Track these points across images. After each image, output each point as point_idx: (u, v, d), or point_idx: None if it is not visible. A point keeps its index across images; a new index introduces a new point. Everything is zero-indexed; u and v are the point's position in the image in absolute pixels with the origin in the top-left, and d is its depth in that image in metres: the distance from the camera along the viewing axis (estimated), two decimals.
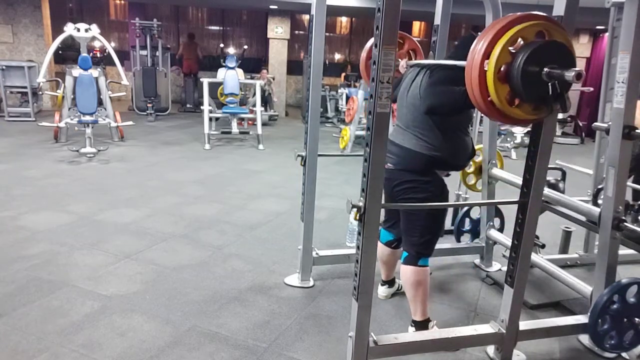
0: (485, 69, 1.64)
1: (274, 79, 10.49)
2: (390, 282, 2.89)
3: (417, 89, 2.30)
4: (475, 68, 1.66)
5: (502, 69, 1.61)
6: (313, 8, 2.60)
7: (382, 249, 2.73)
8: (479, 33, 2.21)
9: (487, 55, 1.63)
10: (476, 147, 3.24)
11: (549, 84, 1.60)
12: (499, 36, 1.62)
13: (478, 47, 1.67)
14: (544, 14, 1.70)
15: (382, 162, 1.81)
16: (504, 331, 2.22)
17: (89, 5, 12.49)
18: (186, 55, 11.13)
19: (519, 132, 8.22)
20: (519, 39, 1.62)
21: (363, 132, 6.71)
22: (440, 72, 2.26)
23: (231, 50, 13.07)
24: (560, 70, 1.57)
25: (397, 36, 1.70)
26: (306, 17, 12.85)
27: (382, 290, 2.89)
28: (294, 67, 12.17)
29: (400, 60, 2.72)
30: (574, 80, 1.56)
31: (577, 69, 1.57)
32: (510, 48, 1.62)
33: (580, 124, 9.97)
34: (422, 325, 2.41)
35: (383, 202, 2.00)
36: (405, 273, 2.38)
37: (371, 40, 1.79)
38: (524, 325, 2.28)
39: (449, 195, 2.48)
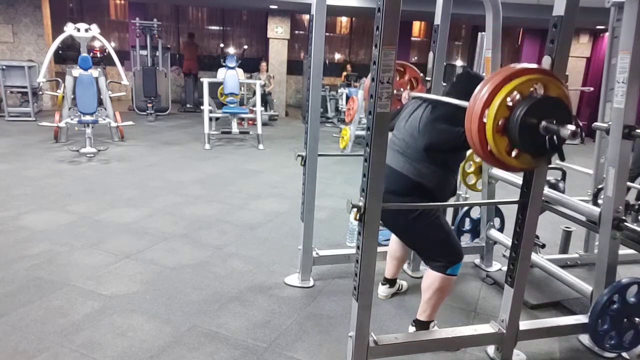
0: (485, 120, 1.67)
1: (273, 77, 10.50)
2: (391, 282, 2.89)
3: (417, 121, 2.32)
4: (474, 121, 1.69)
5: (500, 122, 1.65)
6: (313, 8, 2.60)
7: (397, 244, 2.74)
8: (474, 71, 2.29)
9: (486, 108, 1.66)
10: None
11: (546, 137, 1.65)
12: (496, 91, 1.65)
13: (477, 100, 1.69)
14: (541, 68, 1.73)
15: (383, 162, 1.81)
16: (504, 331, 2.22)
17: (89, 5, 12.50)
18: (186, 56, 11.13)
19: None
20: (516, 93, 1.65)
21: (363, 132, 6.70)
22: (442, 109, 2.28)
23: (231, 50, 13.07)
24: (556, 126, 1.62)
25: (397, 37, 1.71)
26: (306, 17, 12.85)
27: (382, 290, 2.89)
28: (294, 67, 12.18)
29: (402, 89, 2.79)
30: (569, 137, 1.61)
31: (572, 127, 1.61)
32: (508, 99, 1.66)
33: (580, 124, 9.93)
34: (423, 325, 2.41)
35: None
36: (430, 277, 2.35)
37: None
38: (524, 325, 2.28)
39: (440, 215, 2.42)
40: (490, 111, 1.64)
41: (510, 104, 1.65)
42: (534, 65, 1.71)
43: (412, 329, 2.44)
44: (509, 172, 1.83)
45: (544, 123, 1.63)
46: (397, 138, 2.39)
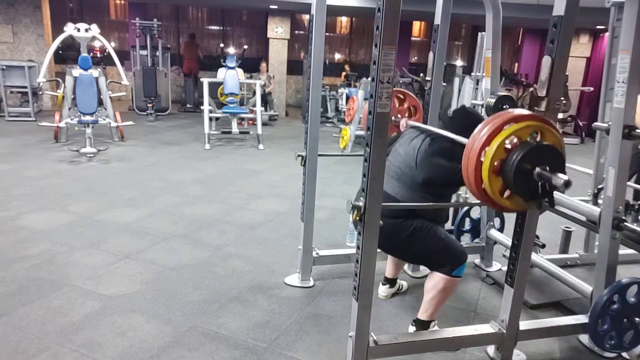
0: (482, 159, 1.72)
1: (273, 77, 10.50)
2: (391, 282, 2.90)
3: (415, 152, 2.34)
4: (472, 159, 1.74)
5: (496, 163, 1.70)
6: (313, 8, 2.60)
7: None
8: (470, 107, 2.33)
9: (484, 147, 1.71)
10: None
11: (539, 183, 1.70)
12: (496, 132, 1.70)
13: (476, 139, 1.73)
14: (541, 116, 1.78)
15: (383, 162, 1.81)
16: (504, 331, 2.22)
17: (89, 5, 12.50)
18: (186, 56, 11.13)
19: None
20: (514, 137, 1.70)
21: (363, 132, 6.70)
22: (440, 143, 2.31)
23: (231, 50, 13.07)
24: (550, 174, 1.66)
25: (397, 36, 1.71)
26: (306, 17, 12.85)
27: (382, 290, 2.89)
28: (294, 67, 12.18)
29: (400, 116, 2.84)
30: (562, 188, 1.65)
31: (565, 177, 1.64)
32: (507, 142, 1.70)
33: (580, 124, 9.97)
34: (424, 325, 2.41)
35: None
36: (435, 278, 2.35)
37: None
38: (524, 325, 2.28)
39: (438, 219, 2.44)
40: (489, 152, 1.69)
41: (509, 146, 1.70)
42: (535, 114, 1.78)
43: (412, 328, 2.44)
44: (499, 211, 1.88)
45: (538, 169, 1.68)
46: (393, 165, 2.41)
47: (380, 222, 1.88)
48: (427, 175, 2.25)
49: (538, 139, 1.73)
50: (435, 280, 2.35)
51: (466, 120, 2.34)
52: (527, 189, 1.71)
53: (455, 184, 2.30)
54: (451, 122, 2.46)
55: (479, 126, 1.76)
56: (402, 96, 2.95)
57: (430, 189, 2.29)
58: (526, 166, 1.67)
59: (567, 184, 1.62)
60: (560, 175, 1.65)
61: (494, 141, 1.69)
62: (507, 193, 1.76)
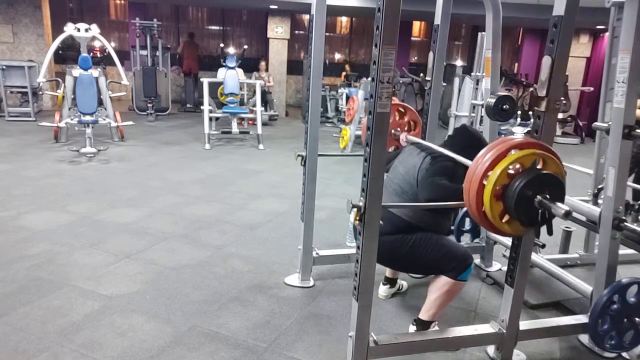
0: (485, 183, 1.73)
1: (272, 78, 10.50)
2: (392, 282, 2.89)
3: (415, 170, 2.35)
4: (474, 182, 1.75)
5: (498, 188, 1.72)
6: (313, 8, 2.60)
7: None
8: (471, 127, 2.34)
9: (488, 171, 1.73)
10: None
11: (539, 210, 1.73)
12: (500, 158, 1.72)
13: (479, 163, 1.75)
14: (545, 145, 1.80)
15: (383, 162, 1.81)
16: (504, 331, 2.22)
17: (89, 5, 12.50)
18: (186, 55, 11.13)
19: (519, 132, 8.21)
20: (517, 164, 1.73)
21: None
22: (442, 162, 2.31)
23: (231, 50, 13.07)
24: (550, 203, 1.69)
25: (397, 36, 1.71)
26: (306, 17, 12.85)
27: (382, 290, 2.89)
28: (294, 67, 12.17)
29: (399, 130, 2.87)
30: (562, 217, 1.66)
31: (566, 208, 1.65)
32: (510, 168, 1.72)
33: (580, 124, 9.97)
34: (425, 325, 2.41)
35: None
36: (441, 280, 2.35)
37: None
38: (524, 325, 2.28)
39: (441, 231, 2.44)
40: (492, 176, 1.71)
41: (512, 172, 1.72)
42: (539, 142, 1.81)
43: (412, 328, 2.44)
44: (497, 235, 1.90)
45: (539, 197, 1.70)
46: (392, 182, 2.42)
47: (381, 223, 1.89)
48: (429, 196, 2.25)
49: (540, 166, 1.76)
50: (441, 283, 2.35)
51: (467, 139, 2.39)
52: (528, 215, 1.74)
53: (455, 202, 2.28)
54: (451, 140, 2.48)
55: (483, 150, 1.78)
56: (402, 110, 2.96)
57: (431, 208, 2.30)
58: (528, 193, 1.70)
59: (568, 214, 1.64)
60: (560, 205, 1.67)
61: (498, 166, 1.71)
62: (506, 218, 1.78)
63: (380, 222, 1.88)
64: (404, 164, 2.45)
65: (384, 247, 2.01)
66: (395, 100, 3.00)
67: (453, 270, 2.31)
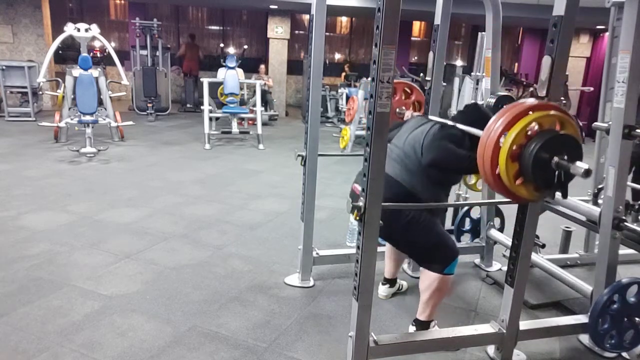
0: (500, 144, 1.71)
1: (271, 80, 10.49)
2: (391, 282, 2.89)
3: (422, 135, 2.31)
4: (491, 142, 1.72)
5: (515, 147, 1.69)
6: (313, 8, 2.60)
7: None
8: (482, 105, 2.34)
9: (504, 132, 1.70)
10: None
11: (556, 172, 1.70)
12: (519, 117, 1.69)
13: (497, 123, 1.72)
14: (563, 108, 1.78)
15: (383, 162, 1.81)
16: (504, 331, 2.22)
17: (89, 5, 12.49)
18: (187, 57, 11.13)
19: None
20: (535, 124, 1.70)
21: (363, 132, 6.70)
22: (451, 130, 2.29)
23: (231, 50, 13.07)
24: (568, 163, 1.66)
25: (397, 36, 1.71)
26: (306, 17, 12.85)
27: (382, 290, 2.89)
28: (294, 67, 12.17)
29: (404, 108, 2.85)
30: (582, 176, 1.63)
31: (585, 165, 1.63)
32: (529, 128, 1.70)
33: (580, 124, 9.95)
34: (424, 325, 2.41)
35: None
36: (428, 278, 2.35)
37: None
38: (524, 325, 2.28)
39: (437, 210, 2.46)
40: (510, 134, 1.68)
41: (530, 133, 1.70)
42: (557, 104, 1.79)
43: (412, 328, 2.44)
44: (509, 199, 1.88)
45: (556, 159, 1.68)
46: (397, 148, 2.40)
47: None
48: (434, 156, 2.22)
49: (557, 129, 1.73)
50: (429, 281, 2.34)
51: (476, 116, 2.33)
52: (544, 177, 1.70)
53: (460, 171, 2.28)
54: (460, 115, 2.44)
55: (500, 111, 1.74)
56: (409, 90, 2.93)
57: (432, 175, 2.26)
58: (546, 154, 1.66)
59: (588, 172, 1.61)
60: (579, 163, 1.64)
61: (517, 125, 1.67)
62: (519, 181, 1.74)
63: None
64: (410, 131, 2.40)
65: (382, 215, 2.01)
66: (402, 80, 2.99)
67: (440, 261, 2.31)
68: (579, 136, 1.76)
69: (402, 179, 2.28)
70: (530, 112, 1.69)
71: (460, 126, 2.27)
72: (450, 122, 2.34)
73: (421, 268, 2.42)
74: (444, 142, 2.23)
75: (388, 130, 1.81)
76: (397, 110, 2.89)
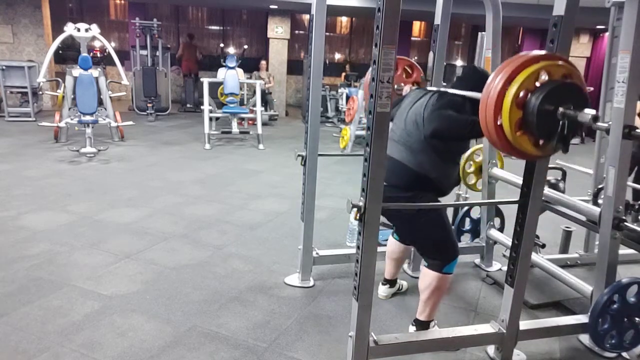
0: (506, 91, 1.68)
1: (273, 77, 10.50)
2: (391, 282, 2.89)
3: (422, 108, 2.28)
4: (496, 88, 1.69)
5: (521, 94, 1.66)
6: (313, 8, 2.60)
7: (394, 245, 2.74)
8: (480, 67, 2.30)
9: (512, 78, 1.67)
10: (477, 147, 3.25)
11: (561, 122, 1.67)
12: (528, 64, 1.67)
13: (505, 70, 1.70)
14: (568, 59, 1.76)
15: (383, 161, 1.81)
16: (504, 331, 2.22)
17: (89, 5, 12.49)
18: (186, 57, 11.13)
19: None
20: (544, 75, 1.68)
21: (363, 132, 6.70)
22: (449, 97, 2.26)
23: (231, 50, 13.07)
24: (574, 112, 1.64)
25: (397, 36, 1.71)
26: (306, 17, 12.85)
27: (382, 290, 2.89)
28: (294, 67, 12.17)
29: (403, 85, 2.79)
30: (590, 122, 1.61)
31: (593, 111, 1.61)
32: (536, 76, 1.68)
33: None
34: (424, 325, 2.41)
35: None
36: (427, 277, 2.35)
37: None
38: (524, 325, 2.28)
39: (442, 212, 2.43)
40: (517, 80, 1.64)
41: (538, 84, 1.67)
42: (564, 56, 1.76)
43: (412, 328, 2.44)
44: (510, 154, 1.82)
45: (562, 109, 1.64)
46: (398, 127, 2.36)
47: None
48: (435, 126, 2.18)
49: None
50: (428, 280, 2.34)
51: (476, 80, 2.27)
52: (547, 126, 1.67)
53: (464, 136, 2.24)
54: (459, 82, 2.38)
55: (511, 58, 1.72)
56: (410, 69, 2.88)
57: (437, 147, 2.22)
58: (551, 103, 1.64)
59: (596, 118, 1.59)
60: (587, 110, 1.62)
61: (527, 70, 1.65)
62: (520, 132, 1.71)
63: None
64: (409, 107, 2.36)
65: (391, 201, 2.03)
66: (404, 57, 2.93)
67: (441, 258, 2.31)
68: (585, 86, 1.74)
69: (409, 161, 2.25)
70: (541, 61, 1.66)
71: (459, 92, 2.22)
72: (450, 90, 2.30)
73: (421, 267, 2.42)
74: (443, 111, 2.19)
75: (388, 127, 1.80)
76: (396, 86, 2.81)
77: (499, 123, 1.70)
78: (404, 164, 2.26)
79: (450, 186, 2.42)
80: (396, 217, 2.44)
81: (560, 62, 1.70)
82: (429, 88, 2.49)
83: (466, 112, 2.16)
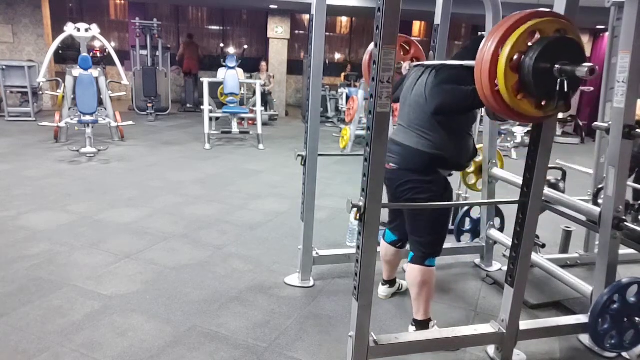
0: (499, 53, 1.64)
1: (273, 77, 10.49)
2: (391, 282, 2.89)
3: (422, 87, 2.27)
4: (489, 52, 1.66)
5: (514, 57, 1.62)
6: (313, 8, 2.60)
7: (386, 249, 2.74)
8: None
9: (503, 42, 1.63)
10: (477, 146, 3.25)
11: (558, 80, 1.62)
12: (518, 25, 1.62)
13: (494, 35, 1.66)
14: (566, 17, 1.71)
15: (383, 162, 1.81)
16: (505, 331, 2.22)
17: (89, 5, 12.49)
18: (187, 56, 11.13)
19: (519, 131, 8.22)
20: (536, 32, 1.63)
21: (363, 132, 6.70)
22: (447, 71, 2.24)
23: (231, 50, 13.07)
24: (571, 67, 1.59)
25: (398, 36, 1.71)
26: (306, 17, 12.85)
27: (382, 290, 2.89)
28: (294, 67, 12.17)
29: (402, 62, 2.74)
30: (587, 75, 1.56)
31: (589, 64, 1.58)
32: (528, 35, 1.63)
33: (581, 124, 9.96)
34: (423, 324, 2.41)
35: (385, 202, 2.00)
36: (412, 272, 2.37)
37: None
38: (524, 324, 2.28)
39: (452, 195, 2.48)
40: (508, 43, 1.60)
41: (530, 44, 1.63)
42: (560, 13, 1.71)
43: (412, 329, 2.45)
44: (514, 120, 1.78)
45: (558, 65, 1.61)
46: (404, 112, 2.35)
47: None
48: (437, 102, 2.18)
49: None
50: (413, 275, 2.37)
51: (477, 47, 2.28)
52: (545, 86, 1.63)
53: (469, 107, 2.20)
54: (464, 51, 2.35)
55: (501, 21, 1.69)
56: (407, 46, 2.85)
57: (445, 123, 2.21)
58: (547, 61, 1.59)
59: (592, 70, 1.55)
60: (584, 64, 1.57)
61: (517, 31, 1.61)
62: (520, 96, 1.67)
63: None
64: (412, 88, 2.35)
65: (406, 186, 2.12)
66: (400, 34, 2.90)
67: (432, 250, 2.34)
68: (581, 40, 1.69)
69: (422, 145, 2.24)
70: (531, 20, 1.62)
71: (455, 62, 2.20)
72: (448, 62, 2.28)
73: (405, 265, 2.43)
74: (444, 85, 2.19)
75: (388, 127, 1.80)
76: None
77: (496, 89, 1.67)
78: (417, 149, 2.25)
79: (468, 160, 2.41)
80: (407, 200, 2.37)
81: (550, 18, 1.65)
82: (427, 62, 2.45)
83: (467, 82, 2.10)
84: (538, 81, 1.62)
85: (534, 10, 1.67)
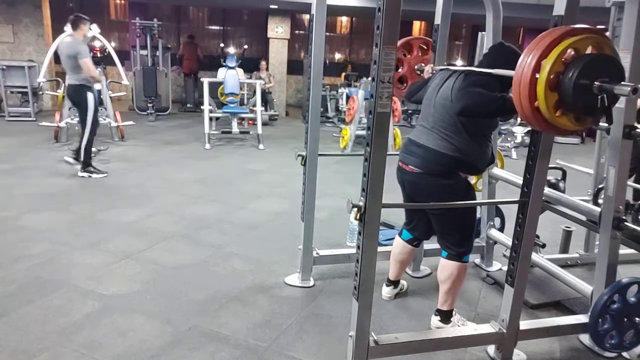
0: (537, 76, 1.65)
1: (273, 76, 10.49)
2: (395, 283, 2.88)
3: (449, 90, 2.29)
4: (526, 74, 1.66)
5: (552, 77, 1.62)
6: (313, 8, 2.60)
7: (402, 246, 2.74)
8: (508, 43, 2.33)
9: (539, 62, 1.63)
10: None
11: (598, 96, 1.62)
12: (553, 45, 1.63)
13: (532, 51, 1.66)
14: (598, 30, 1.70)
15: (383, 161, 1.81)
16: (505, 331, 2.22)
17: (89, 5, 12.48)
18: (187, 56, 11.14)
19: (520, 131, 8.22)
20: (571, 50, 1.63)
21: (363, 132, 6.70)
22: (475, 76, 2.26)
23: (231, 49, 13.07)
24: (610, 85, 1.60)
25: (398, 36, 1.71)
26: (306, 16, 12.85)
27: (386, 291, 2.87)
28: (294, 66, 12.17)
29: (424, 65, 2.79)
30: (629, 94, 1.57)
31: (631, 84, 1.58)
32: (564, 56, 1.64)
33: None
34: (447, 314, 2.48)
35: (388, 202, 1.99)
36: (448, 268, 2.42)
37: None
38: (524, 324, 2.28)
39: (475, 195, 2.49)
40: (546, 63, 1.61)
41: (565, 61, 1.63)
42: (592, 27, 1.70)
43: (435, 318, 2.51)
44: (549, 132, 1.78)
45: (597, 83, 1.61)
46: (428, 113, 2.37)
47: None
48: (464, 104, 2.19)
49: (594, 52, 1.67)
50: (449, 270, 2.41)
51: (505, 56, 2.27)
52: (585, 103, 1.63)
53: (494, 113, 2.22)
54: (487, 59, 2.38)
55: (534, 40, 1.68)
56: (425, 46, 2.87)
57: (468, 126, 2.22)
58: (586, 79, 1.60)
59: (636, 90, 1.55)
60: (624, 83, 1.58)
61: (554, 52, 1.60)
62: (559, 112, 1.67)
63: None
64: (437, 89, 2.36)
65: (425, 191, 2.16)
66: (418, 36, 2.93)
67: (464, 246, 2.40)
68: (618, 56, 1.70)
69: (445, 147, 2.25)
70: (566, 39, 1.62)
71: (486, 70, 2.21)
72: (476, 69, 2.29)
73: (441, 260, 2.47)
74: (471, 88, 2.20)
75: (388, 127, 1.80)
76: (416, 67, 2.80)
77: (535, 106, 1.67)
78: (439, 151, 2.26)
79: (486, 165, 2.45)
80: (438, 200, 2.38)
81: (585, 36, 1.64)
82: (454, 68, 2.46)
83: (496, 89, 2.15)
84: (578, 99, 1.63)
85: (568, 28, 1.66)
